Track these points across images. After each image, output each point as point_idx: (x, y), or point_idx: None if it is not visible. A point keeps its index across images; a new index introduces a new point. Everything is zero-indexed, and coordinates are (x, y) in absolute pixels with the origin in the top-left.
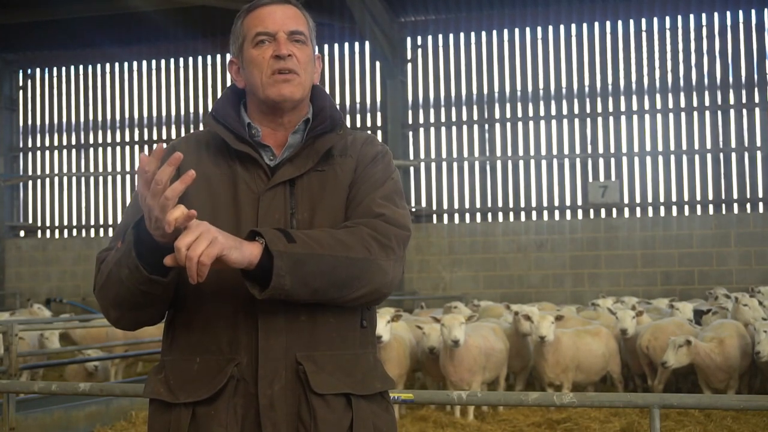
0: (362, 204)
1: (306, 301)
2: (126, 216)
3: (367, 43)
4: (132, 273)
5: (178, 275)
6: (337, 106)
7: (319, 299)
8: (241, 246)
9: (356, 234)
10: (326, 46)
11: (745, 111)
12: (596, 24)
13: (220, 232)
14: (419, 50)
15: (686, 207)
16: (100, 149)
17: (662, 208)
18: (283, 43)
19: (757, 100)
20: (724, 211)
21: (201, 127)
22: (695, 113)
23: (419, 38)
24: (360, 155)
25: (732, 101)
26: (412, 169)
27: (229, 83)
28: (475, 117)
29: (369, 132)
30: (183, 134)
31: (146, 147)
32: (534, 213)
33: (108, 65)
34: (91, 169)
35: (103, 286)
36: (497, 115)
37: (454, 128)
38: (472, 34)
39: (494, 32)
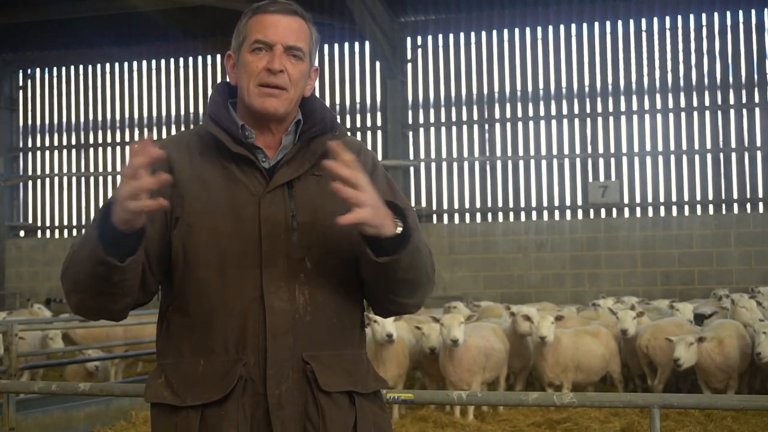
0: None
1: (394, 286)
2: None
3: (367, 43)
4: (91, 252)
5: (151, 270)
6: (330, 107)
7: (402, 287)
8: (384, 219)
9: (428, 252)
10: (326, 46)
11: (745, 111)
12: (596, 24)
13: (378, 203)
14: (419, 50)
15: (686, 207)
16: (100, 149)
17: (662, 208)
18: (278, 57)
19: (757, 100)
20: (724, 211)
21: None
22: (695, 113)
23: (419, 38)
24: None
25: (732, 101)
26: (412, 169)
27: None
28: (475, 117)
29: (358, 135)
30: None
31: None
32: (534, 213)
33: (108, 65)
34: (91, 169)
35: (66, 270)
36: (497, 115)
37: (454, 128)
38: (472, 34)
39: (494, 32)
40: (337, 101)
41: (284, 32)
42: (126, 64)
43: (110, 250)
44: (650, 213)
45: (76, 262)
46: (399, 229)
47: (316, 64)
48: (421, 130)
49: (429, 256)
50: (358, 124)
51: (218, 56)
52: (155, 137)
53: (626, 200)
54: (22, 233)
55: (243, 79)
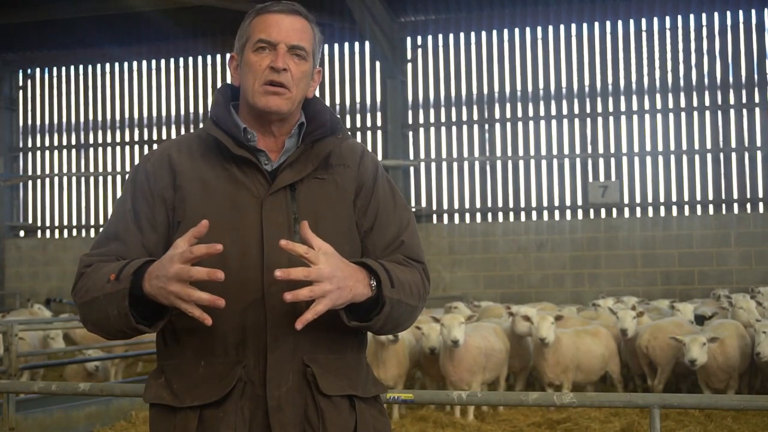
0: (403, 246)
1: (375, 332)
2: (110, 225)
3: (367, 43)
4: (120, 316)
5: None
6: (330, 107)
7: (384, 333)
8: (353, 291)
9: (416, 280)
10: (326, 46)
11: (745, 111)
12: (596, 24)
13: (341, 279)
14: (419, 50)
15: (686, 207)
16: (100, 149)
17: (662, 208)
18: (282, 55)
19: (757, 100)
20: (724, 211)
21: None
22: (695, 113)
23: (419, 38)
24: (361, 171)
25: (732, 101)
26: (412, 169)
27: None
28: (475, 117)
29: (358, 135)
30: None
31: (146, 147)
32: (534, 213)
33: (108, 65)
34: (91, 169)
35: (85, 303)
36: (497, 115)
37: (454, 128)
38: (472, 34)
39: (494, 32)
40: (337, 101)
41: (287, 32)
42: (126, 64)
43: (141, 319)
44: (650, 213)
45: (101, 311)
46: (371, 290)
47: (318, 66)
48: (421, 130)
49: (415, 286)
50: (358, 124)
51: (218, 56)
52: (155, 137)
53: (626, 200)
54: (22, 233)
55: (247, 78)
